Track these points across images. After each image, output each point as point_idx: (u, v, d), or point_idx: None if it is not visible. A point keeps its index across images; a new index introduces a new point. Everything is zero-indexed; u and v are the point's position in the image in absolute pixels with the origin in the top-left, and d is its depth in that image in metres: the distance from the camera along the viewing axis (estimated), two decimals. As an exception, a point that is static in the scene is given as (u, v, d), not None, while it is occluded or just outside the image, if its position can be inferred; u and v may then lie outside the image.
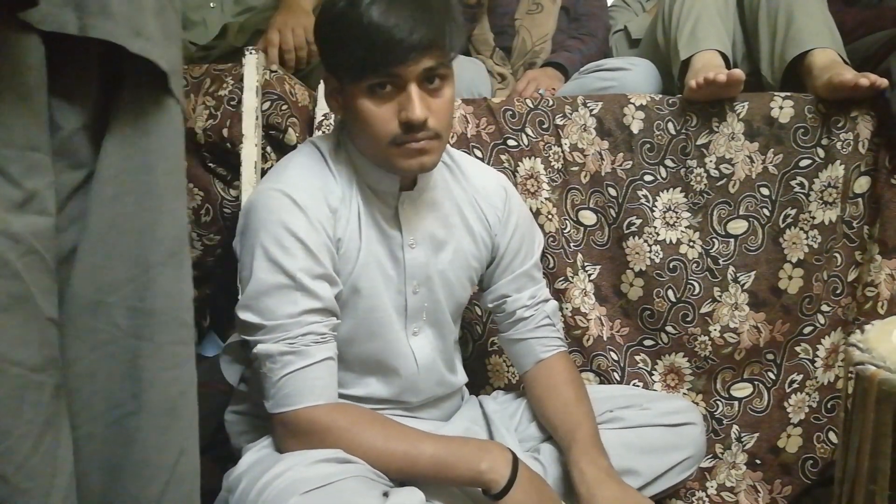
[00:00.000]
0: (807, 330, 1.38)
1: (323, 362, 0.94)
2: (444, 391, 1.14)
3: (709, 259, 1.41)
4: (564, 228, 1.43)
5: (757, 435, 1.38)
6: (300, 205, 0.95)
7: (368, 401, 1.06)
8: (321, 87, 1.51)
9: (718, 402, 1.40)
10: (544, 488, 0.97)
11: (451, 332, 1.16)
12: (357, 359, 1.05)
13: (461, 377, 1.20)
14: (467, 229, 1.12)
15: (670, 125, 1.42)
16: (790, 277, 1.38)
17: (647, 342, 1.43)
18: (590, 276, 1.44)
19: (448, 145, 1.15)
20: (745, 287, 1.39)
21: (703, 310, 1.40)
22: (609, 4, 2.08)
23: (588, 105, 1.45)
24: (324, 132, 1.46)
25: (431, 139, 0.94)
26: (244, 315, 0.94)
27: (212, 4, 1.78)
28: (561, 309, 1.34)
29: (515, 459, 0.93)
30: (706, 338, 1.39)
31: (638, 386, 1.40)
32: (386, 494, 0.87)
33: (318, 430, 0.92)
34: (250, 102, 1.41)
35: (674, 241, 1.42)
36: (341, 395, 1.00)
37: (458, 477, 0.92)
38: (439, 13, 0.91)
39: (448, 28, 0.92)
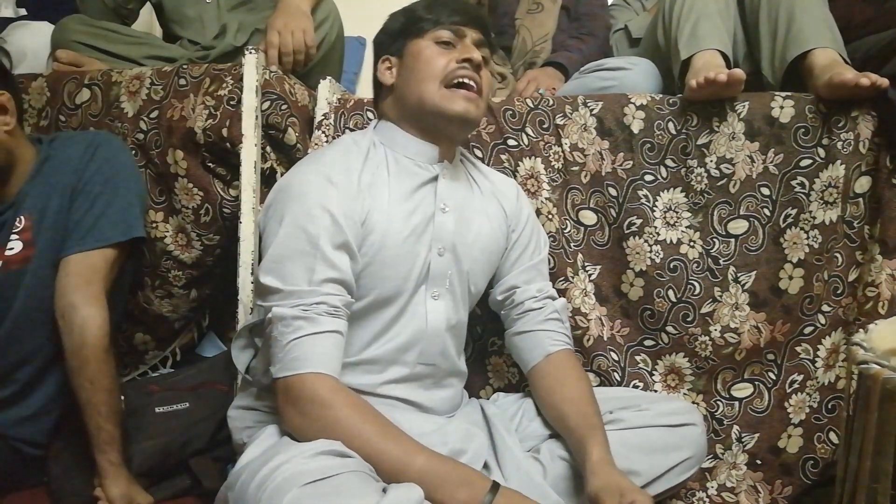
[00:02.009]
0: (807, 330, 1.38)
1: (331, 334, 0.97)
2: (447, 365, 1.16)
3: (709, 259, 1.41)
4: (565, 228, 1.43)
5: (757, 435, 1.37)
6: (333, 181, 1.04)
7: (377, 362, 1.09)
8: (321, 87, 1.51)
9: (719, 402, 1.40)
10: None
11: (464, 314, 1.20)
12: (375, 314, 1.09)
13: (462, 365, 1.22)
14: (487, 216, 1.21)
15: (671, 125, 1.42)
16: (791, 277, 1.38)
17: (648, 342, 1.43)
18: (590, 276, 1.44)
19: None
20: (746, 287, 1.39)
21: (704, 310, 1.40)
22: (609, 4, 2.08)
23: (588, 105, 1.44)
24: (323, 132, 1.46)
25: (477, 93, 1.11)
26: (265, 278, 1.00)
27: (207, 0, 1.78)
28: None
29: (493, 492, 0.92)
30: (706, 338, 1.39)
31: (638, 386, 1.40)
32: (385, 491, 0.87)
33: (319, 402, 0.94)
34: (250, 102, 1.40)
35: (674, 241, 1.41)
36: (353, 360, 1.06)
37: (436, 498, 0.91)
38: (488, 22, 1.23)
39: (490, 33, 1.21)
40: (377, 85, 1.21)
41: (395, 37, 1.17)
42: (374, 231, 1.07)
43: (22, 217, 1.28)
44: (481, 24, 1.16)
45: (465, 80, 1.10)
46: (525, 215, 1.27)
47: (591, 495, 0.97)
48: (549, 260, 1.39)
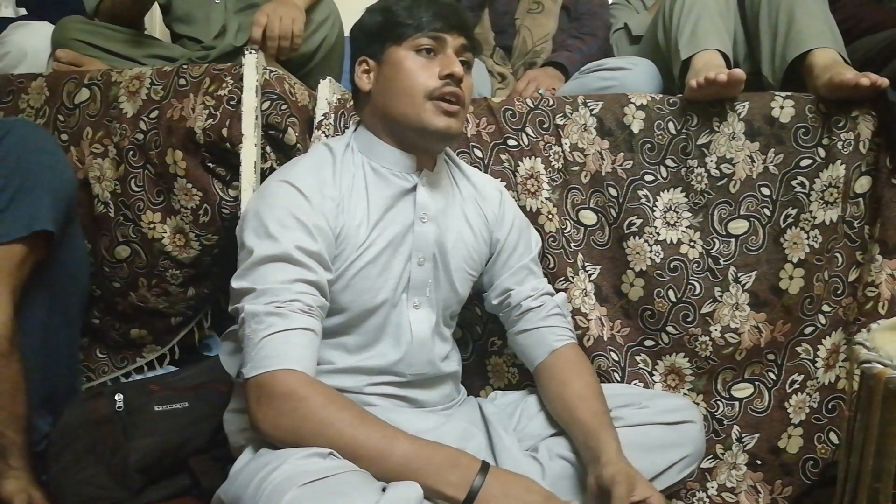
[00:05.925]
0: (808, 330, 1.38)
1: (305, 331, 0.96)
2: (435, 371, 1.15)
3: (709, 259, 1.41)
4: (565, 228, 1.43)
5: (758, 435, 1.37)
6: (304, 193, 1.03)
7: (364, 371, 1.08)
8: (321, 87, 1.51)
9: (719, 402, 1.40)
10: (525, 498, 0.91)
11: (449, 320, 1.20)
12: (357, 327, 1.09)
13: (454, 364, 1.21)
14: (468, 222, 1.20)
15: (671, 125, 1.42)
16: (791, 277, 1.38)
17: (648, 342, 1.43)
18: (590, 276, 1.44)
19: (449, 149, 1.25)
20: (746, 287, 1.39)
21: (704, 310, 1.40)
22: (610, 3, 2.07)
23: (588, 105, 1.44)
24: (323, 132, 1.46)
25: (460, 106, 1.09)
26: (237, 283, 1.00)
27: (216, 0, 1.78)
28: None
29: (483, 472, 0.90)
30: (707, 338, 1.39)
31: (638, 386, 1.39)
32: (384, 490, 0.87)
33: (293, 398, 0.91)
34: (250, 102, 1.40)
35: (674, 241, 1.41)
36: (339, 367, 1.07)
37: (424, 483, 0.88)
38: (471, 24, 1.19)
39: (474, 35, 1.17)
40: (355, 88, 1.17)
41: (373, 38, 1.13)
42: (349, 245, 1.06)
43: None
44: (464, 29, 1.12)
45: (448, 96, 1.07)
46: (509, 220, 1.25)
47: (606, 479, 0.97)
48: (548, 260, 1.39)
